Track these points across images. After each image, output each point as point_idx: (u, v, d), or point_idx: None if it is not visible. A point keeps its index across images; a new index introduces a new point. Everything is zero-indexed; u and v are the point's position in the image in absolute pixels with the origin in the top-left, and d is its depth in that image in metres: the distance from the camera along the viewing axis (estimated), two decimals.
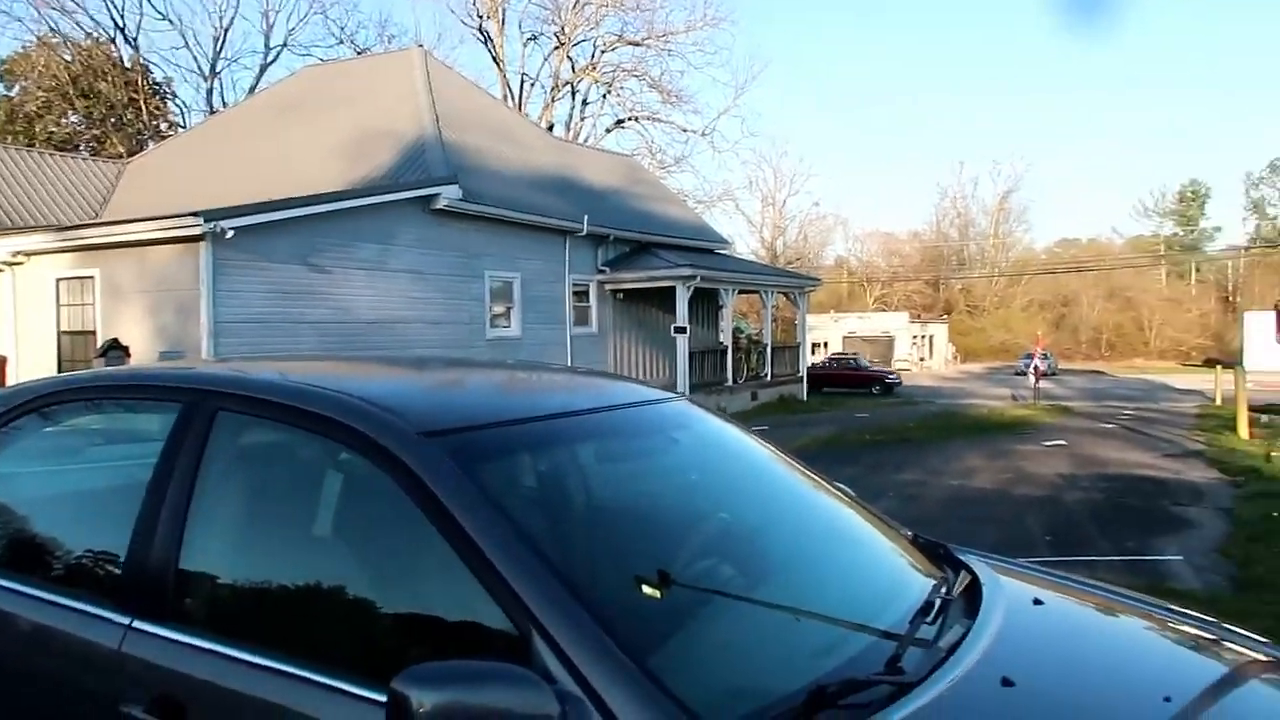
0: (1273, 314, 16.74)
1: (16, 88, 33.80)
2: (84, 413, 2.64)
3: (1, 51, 33.21)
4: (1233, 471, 11.93)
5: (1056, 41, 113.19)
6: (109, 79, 33.62)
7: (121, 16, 38.65)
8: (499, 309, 18.34)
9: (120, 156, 26.76)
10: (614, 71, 42.21)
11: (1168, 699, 1.76)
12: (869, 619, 1.93)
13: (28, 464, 2.63)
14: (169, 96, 37.91)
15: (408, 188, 16.07)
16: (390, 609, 1.82)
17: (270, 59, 39.54)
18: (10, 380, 12.43)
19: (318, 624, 1.84)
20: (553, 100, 41.59)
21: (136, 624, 1.92)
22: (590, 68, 41.96)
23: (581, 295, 20.89)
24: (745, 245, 60.46)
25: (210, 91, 38.16)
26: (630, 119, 42.97)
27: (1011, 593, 2.23)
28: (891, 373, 35.18)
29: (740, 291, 25.51)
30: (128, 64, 35.30)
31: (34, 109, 32.37)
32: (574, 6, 40.01)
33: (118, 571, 2.07)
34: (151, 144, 30.25)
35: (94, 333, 13.46)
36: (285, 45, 41.21)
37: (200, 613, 1.94)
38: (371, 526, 1.95)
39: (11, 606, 2.12)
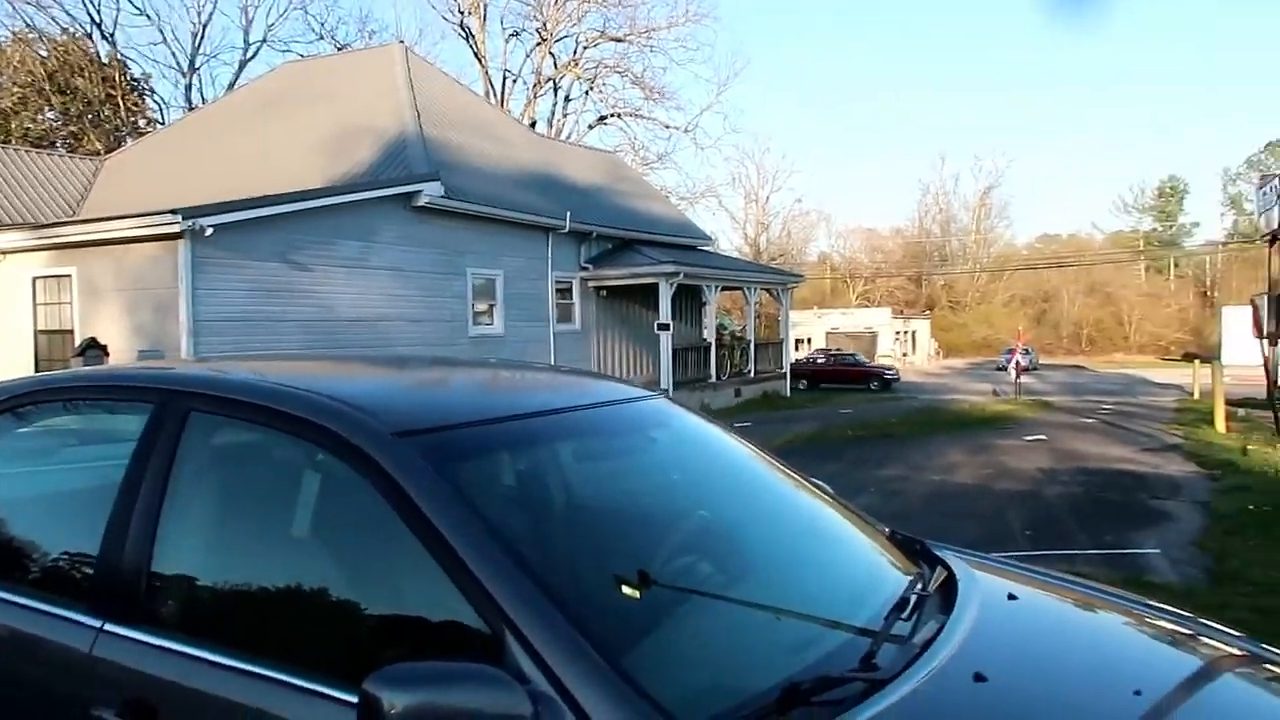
0: (1249, 309, 16.90)
1: None
2: (58, 413, 2.62)
3: None
4: (1210, 465, 12.05)
5: (1038, 38, 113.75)
6: (86, 75, 33.24)
7: (98, 12, 38.28)
8: (482, 306, 18.28)
9: (98, 153, 26.48)
10: (596, 68, 42.19)
11: (1138, 693, 1.78)
12: (845, 615, 1.94)
13: (1, 465, 2.60)
14: (147, 93, 37.56)
15: (389, 185, 15.99)
16: (364, 610, 1.81)
17: (250, 55, 39.19)
18: None
19: (291, 625, 1.83)
20: (535, 97, 41.53)
21: (108, 627, 1.90)
22: (572, 64, 41.88)
23: (564, 292, 20.86)
24: (729, 242, 60.61)
25: (189, 87, 37.89)
26: (613, 115, 42.96)
27: (986, 588, 2.25)
28: (890, 368, 35.08)
29: (723, 288, 25.55)
30: (105, 60, 34.93)
31: (9, 105, 31.94)
32: (556, 2, 39.94)
33: (89, 574, 2.05)
34: (130, 141, 29.94)
35: (71, 332, 13.34)
36: (265, 41, 40.92)
37: (172, 615, 1.93)
38: (345, 527, 1.94)
39: None
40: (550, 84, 42.06)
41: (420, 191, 16.07)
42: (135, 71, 36.86)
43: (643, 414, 2.54)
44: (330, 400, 1.92)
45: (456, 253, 17.41)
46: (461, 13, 40.65)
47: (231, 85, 36.08)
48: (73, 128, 33.46)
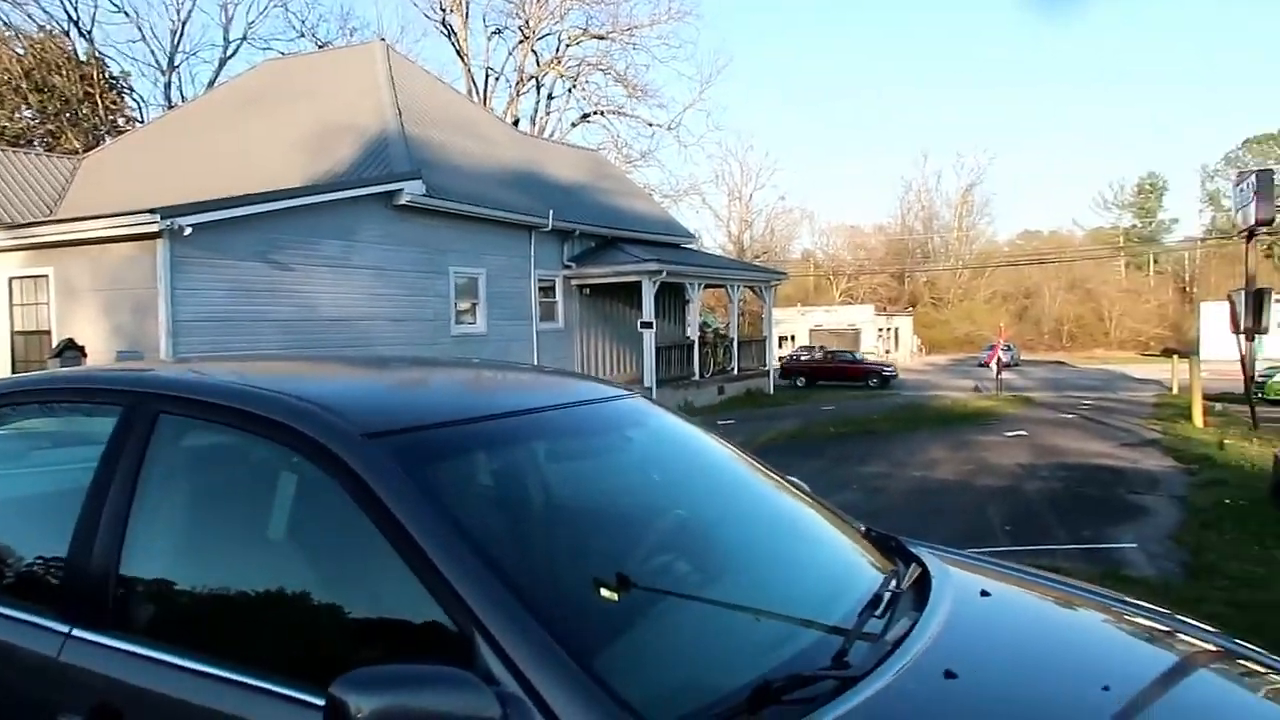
0: (1228, 304, 17.07)
1: None
2: (29, 416, 2.60)
3: None
4: (1187, 459, 12.17)
5: (1019, 35, 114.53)
6: (63, 73, 32.91)
7: (75, 9, 37.97)
8: (464, 305, 18.23)
9: (76, 152, 26.23)
10: (579, 65, 42.12)
11: (1106, 688, 1.79)
12: (819, 613, 1.95)
13: None
14: (126, 91, 37.24)
15: (370, 183, 15.92)
16: (334, 613, 1.80)
17: (229, 53, 38.92)
18: None
19: (260, 629, 1.82)
20: (518, 94, 41.43)
21: (76, 632, 1.88)
22: (555, 62, 41.80)
23: (547, 291, 20.83)
24: (713, 239, 60.69)
25: (168, 85, 37.57)
26: (596, 113, 42.91)
27: (960, 585, 2.26)
28: (888, 365, 35.05)
29: (707, 286, 25.58)
30: (83, 57, 34.60)
31: None
32: (538, 0, 39.83)
33: (57, 579, 2.03)
34: (108, 139, 29.68)
35: (48, 333, 13.21)
36: (245, 39, 40.65)
37: (140, 620, 1.91)
38: (315, 530, 1.93)
39: None
40: (533, 82, 42.01)
41: (402, 190, 16.00)
42: (114, 69, 36.60)
43: (618, 413, 2.53)
44: (300, 401, 1.91)
45: (439, 251, 17.35)
46: (443, 10, 40.54)
47: (211, 83, 35.82)
48: (50, 126, 33.12)
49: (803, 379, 32.00)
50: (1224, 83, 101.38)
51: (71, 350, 11.47)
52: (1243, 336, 15.69)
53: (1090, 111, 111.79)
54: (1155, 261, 75.38)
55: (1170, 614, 2.49)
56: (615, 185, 27.25)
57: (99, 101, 33.72)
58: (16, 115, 33.08)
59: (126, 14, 40.04)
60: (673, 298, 24.90)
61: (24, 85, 32.00)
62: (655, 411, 2.70)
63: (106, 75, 35.33)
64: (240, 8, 68.67)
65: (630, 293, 22.05)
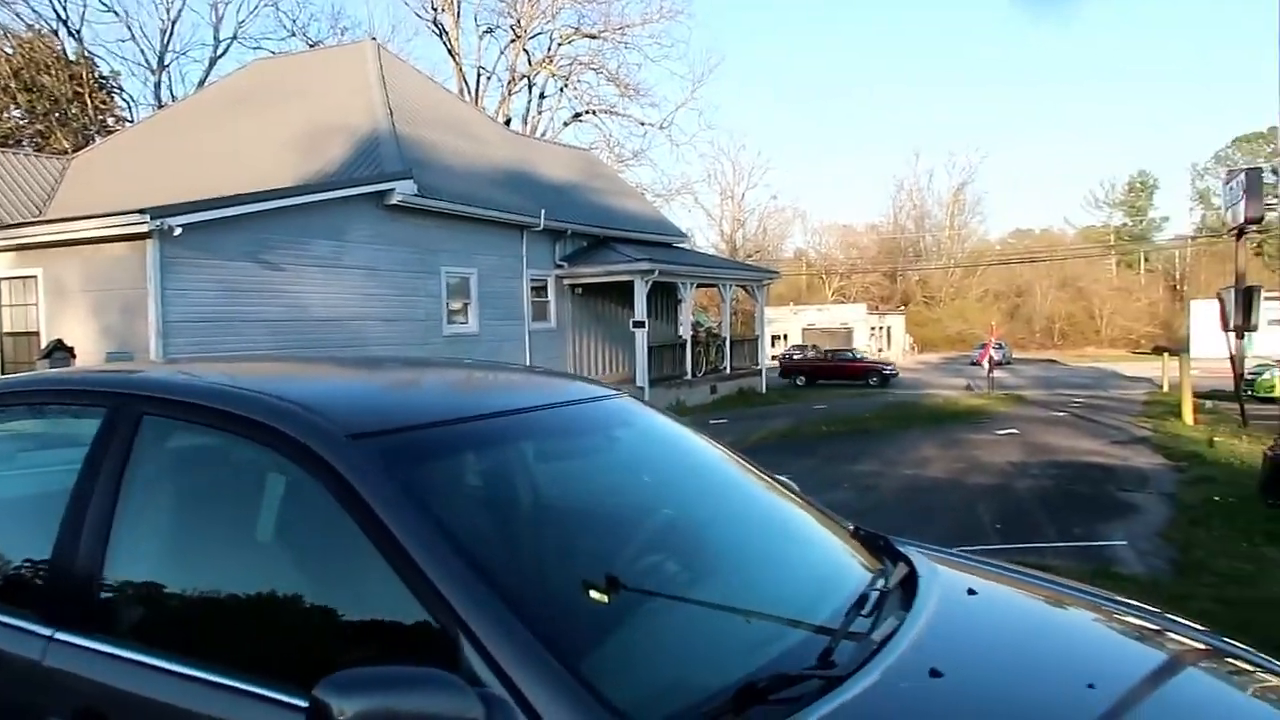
0: (1217, 303, 17.14)
1: None
2: (13, 418, 2.58)
3: None
4: (1177, 457, 12.22)
5: (1011, 34, 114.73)
6: (52, 72, 32.76)
7: (64, 8, 37.90)
8: (456, 305, 18.20)
9: (65, 152, 26.12)
10: (571, 64, 42.09)
11: (1091, 686, 1.79)
12: (806, 613, 1.95)
13: None
14: (115, 90, 37.10)
15: (361, 183, 15.88)
16: (318, 614, 1.79)
17: (220, 52, 38.80)
18: None
19: (244, 631, 1.81)
20: (509, 94, 41.36)
21: (59, 635, 1.88)
22: (547, 61, 41.76)
23: (540, 290, 20.81)
24: (705, 238, 60.75)
25: (158, 85, 37.47)
26: (588, 112, 42.87)
27: (947, 583, 2.26)
28: (888, 363, 34.99)
29: (699, 285, 25.60)
30: (72, 57, 34.46)
31: None
32: None
33: (40, 582, 2.02)
34: (98, 139, 29.55)
35: (37, 334, 13.15)
36: (235, 38, 40.48)
37: (124, 622, 1.90)
38: (300, 531, 1.92)
39: None
40: (525, 81, 41.94)
41: (393, 190, 15.97)
42: (103, 69, 36.44)
43: (605, 413, 2.53)
44: (284, 402, 1.91)
45: (430, 251, 17.32)
46: (434, 9, 40.47)
47: (202, 83, 35.73)
48: (39, 126, 32.98)
49: (803, 377, 32.01)
50: (1214, 81, 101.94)
51: (61, 351, 11.42)
52: (1232, 334, 15.74)
53: (1081, 110, 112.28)
54: (1146, 260, 75.69)
55: (1158, 612, 2.49)
56: (607, 184, 27.24)
57: (88, 101, 33.57)
58: (5, 115, 32.94)
59: (116, 13, 40.01)
60: (665, 297, 24.90)
61: (12, 85, 31.85)
62: (642, 411, 2.69)
63: (96, 75, 35.19)
64: (230, 7, 68.51)
65: (623, 292, 22.05)
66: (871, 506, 9.27)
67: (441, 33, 40.95)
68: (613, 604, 1.80)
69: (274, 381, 2.35)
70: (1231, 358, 16.08)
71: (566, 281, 21.58)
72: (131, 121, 33.80)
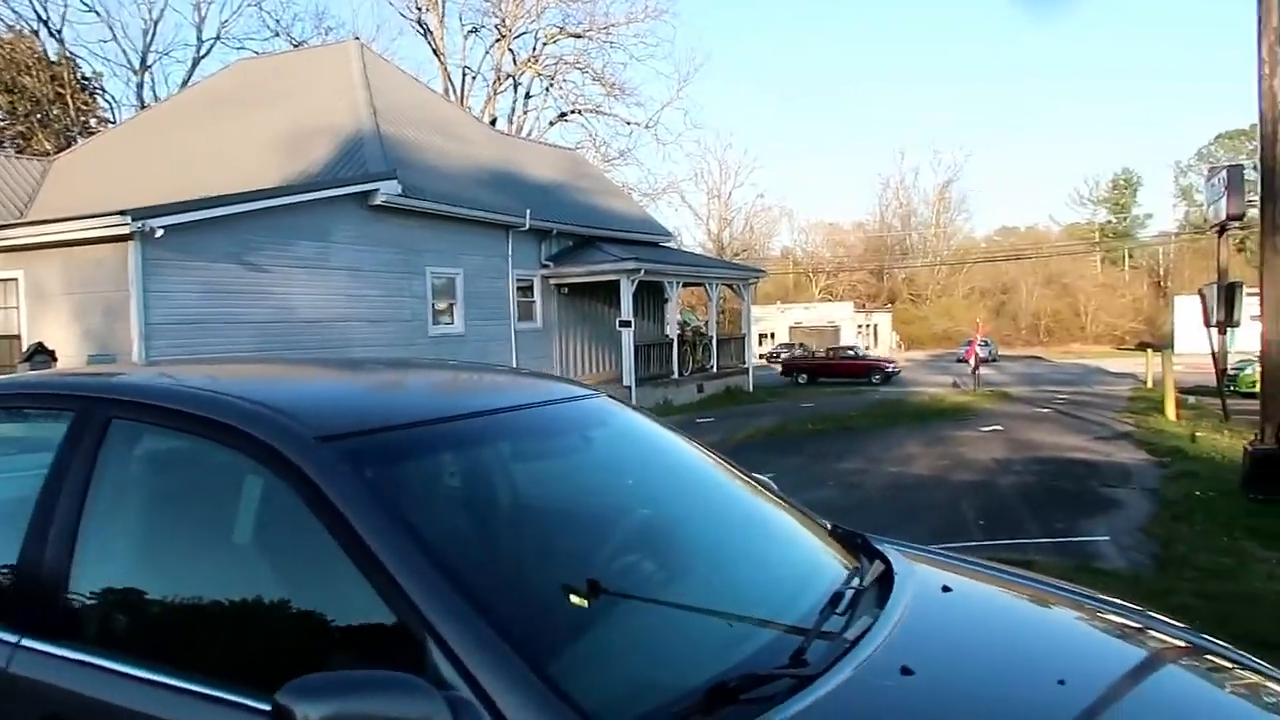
0: (1200, 299, 17.25)
1: None
2: None
3: None
4: (1160, 452, 12.29)
5: (995, 32, 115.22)
6: (33, 73, 32.52)
7: (45, 8, 37.49)
8: (442, 305, 18.15)
9: (47, 154, 25.92)
10: (556, 64, 42.05)
11: (1062, 682, 1.80)
12: (780, 612, 1.95)
13: None
14: (98, 91, 36.87)
15: (345, 183, 15.81)
16: (288, 618, 1.78)
17: (203, 52, 38.58)
18: None
19: (213, 636, 1.80)
20: (495, 94, 41.27)
21: (25, 642, 1.86)
22: (532, 60, 41.69)
23: (526, 290, 20.78)
24: (692, 238, 60.82)
25: (141, 86, 37.20)
26: (573, 112, 42.84)
27: (922, 581, 2.26)
28: (890, 361, 34.98)
29: (686, 284, 25.61)
30: (53, 58, 34.20)
31: None
32: None
33: (6, 588, 2.00)
34: (80, 140, 29.33)
35: (18, 337, 13.04)
36: (218, 38, 40.25)
37: (91, 629, 1.89)
38: (269, 535, 1.91)
39: None
40: (510, 81, 41.86)
41: (377, 190, 15.91)
42: (85, 70, 36.19)
43: (580, 413, 2.52)
44: (252, 404, 1.89)
45: (415, 252, 17.27)
46: (419, 9, 40.35)
47: (185, 83, 35.52)
48: (20, 127, 32.72)
49: (804, 375, 32.02)
50: (1197, 78, 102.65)
51: (42, 354, 11.32)
52: (1215, 330, 15.84)
53: (1066, 108, 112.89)
54: (1130, 256, 76.22)
55: (1135, 608, 2.49)
56: (593, 184, 27.22)
57: (70, 102, 33.34)
58: None
59: (97, 13, 39.84)
60: (651, 296, 24.90)
61: None
62: (619, 411, 2.68)
63: (78, 76, 34.95)
64: (214, 7, 68.16)
65: (609, 292, 22.04)
66: (856, 504, 9.30)
67: (426, 32, 40.89)
68: (583, 605, 1.80)
69: (244, 384, 2.33)
70: (1214, 353, 16.18)
71: (552, 281, 21.55)
72: (114, 122, 33.58)
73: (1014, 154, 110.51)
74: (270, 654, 1.74)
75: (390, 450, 1.89)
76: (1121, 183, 77.86)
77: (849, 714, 1.62)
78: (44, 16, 35.10)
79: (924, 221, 76.23)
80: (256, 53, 34.78)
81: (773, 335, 55.33)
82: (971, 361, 28.30)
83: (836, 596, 2.00)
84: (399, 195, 16.21)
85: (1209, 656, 2.20)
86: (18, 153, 25.73)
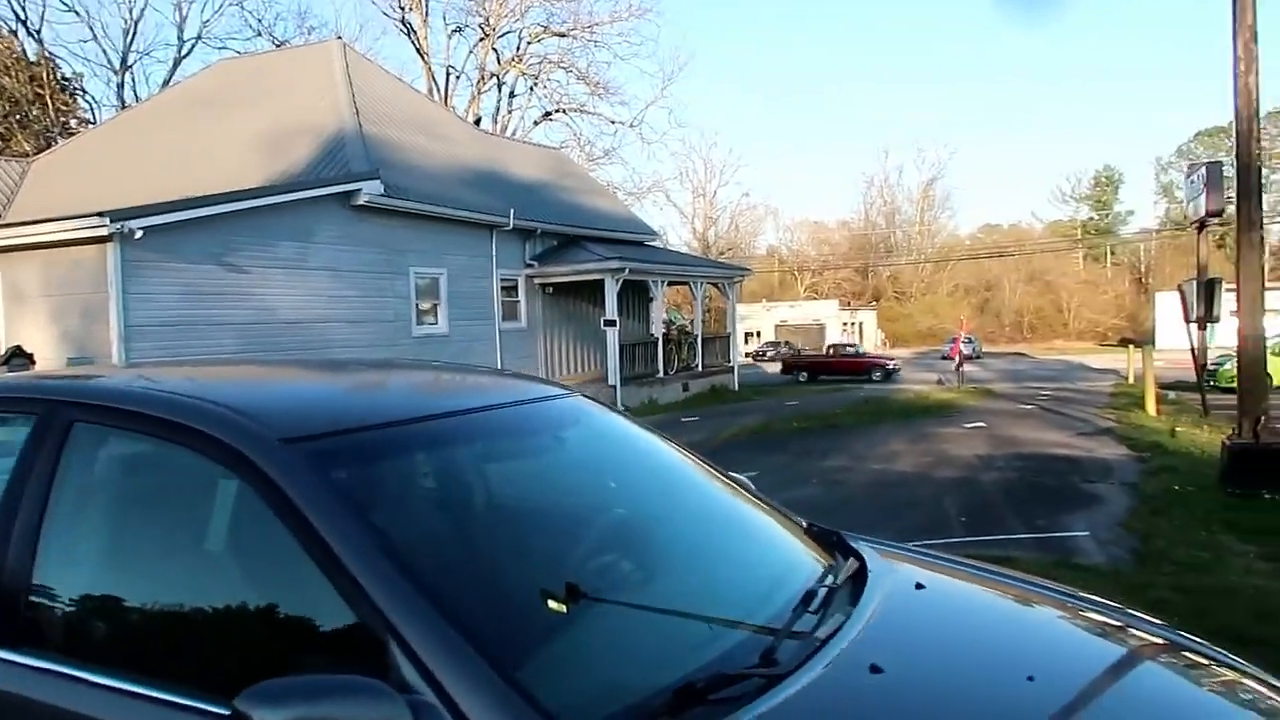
0: (1179, 295, 17.36)
1: None
2: None
3: None
4: (1140, 447, 12.37)
5: (978, 30, 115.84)
6: (12, 74, 32.22)
7: (23, 8, 37.11)
8: (425, 305, 18.08)
9: (26, 155, 25.68)
10: (540, 63, 41.97)
11: (1031, 678, 1.80)
12: (751, 611, 1.94)
13: None
14: (78, 92, 36.55)
15: (327, 183, 15.73)
16: (251, 623, 1.76)
17: (184, 52, 38.29)
18: None
19: (175, 642, 1.78)
20: (479, 93, 41.16)
21: None
22: (516, 59, 41.60)
23: (510, 290, 20.72)
24: (678, 236, 60.84)
25: (121, 86, 36.89)
26: (558, 111, 42.76)
27: (896, 579, 2.26)
28: (891, 358, 35.01)
29: (671, 283, 25.62)
30: (33, 58, 33.88)
31: None
32: None
33: None
34: (59, 141, 29.07)
35: None
36: (200, 38, 40.09)
37: (54, 636, 1.86)
38: (233, 538, 1.89)
39: None
40: (494, 80, 41.76)
41: (360, 190, 15.83)
42: (65, 70, 35.89)
43: (553, 413, 2.51)
44: (215, 406, 1.87)
45: (398, 252, 17.19)
46: (402, 8, 40.19)
47: (166, 83, 35.24)
48: None
49: (805, 373, 32.08)
50: (1178, 76, 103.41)
51: (19, 358, 11.22)
52: (1194, 326, 15.94)
53: (1048, 106, 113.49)
54: (1112, 253, 76.75)
55: (1111, 605, 2.50)
56: (578, 183, 27.18)
57: (50, 103, 33.04)
58: None
59: (77, 13, 39.51)
60: (636, 295, 24.88)
61: None
62: (593, 410, 2.67)
63: (58, 76, 34.66)
64: (195, 6, 67.73)
65: (594, 291, 22.01)
66: (840, 502, 9.32)
67: (410, 31, 40.72)
68: (551, 607, 1.79)
69: (210, 386, 2.31)
70: (1193, 349, 16.29)
71: (537, 281, 21.51)
72: (94, 123, 33.30)
73: (997, 152, 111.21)
74: (234, 659, 1.72)
75: (355, 451, 1.88)
76: (1103, 180, 78.43)
77: (817, 713, 1.62)
78: (22, 16, 34.72)
79: (908, 219, 76.61)
80: (238, 52, 34.58)
81: (758, 334, 55.41)
82: (956, 359, 28.43)
83: (809, 595, 1.99)
84: (382, 195, 16.14)
85: (1184, 653, 2.20)
86: None
